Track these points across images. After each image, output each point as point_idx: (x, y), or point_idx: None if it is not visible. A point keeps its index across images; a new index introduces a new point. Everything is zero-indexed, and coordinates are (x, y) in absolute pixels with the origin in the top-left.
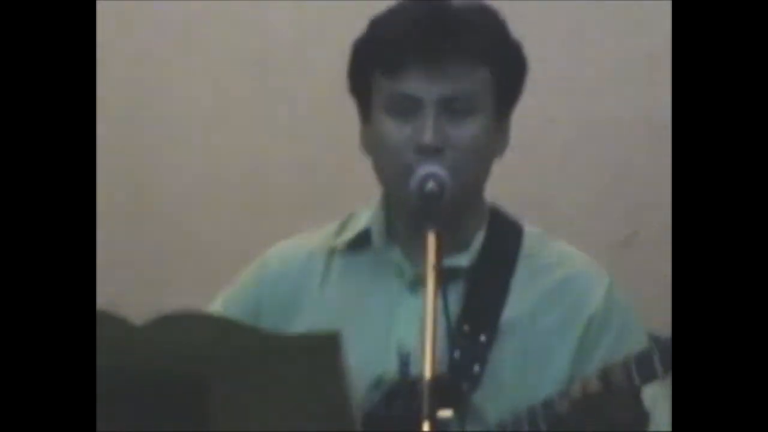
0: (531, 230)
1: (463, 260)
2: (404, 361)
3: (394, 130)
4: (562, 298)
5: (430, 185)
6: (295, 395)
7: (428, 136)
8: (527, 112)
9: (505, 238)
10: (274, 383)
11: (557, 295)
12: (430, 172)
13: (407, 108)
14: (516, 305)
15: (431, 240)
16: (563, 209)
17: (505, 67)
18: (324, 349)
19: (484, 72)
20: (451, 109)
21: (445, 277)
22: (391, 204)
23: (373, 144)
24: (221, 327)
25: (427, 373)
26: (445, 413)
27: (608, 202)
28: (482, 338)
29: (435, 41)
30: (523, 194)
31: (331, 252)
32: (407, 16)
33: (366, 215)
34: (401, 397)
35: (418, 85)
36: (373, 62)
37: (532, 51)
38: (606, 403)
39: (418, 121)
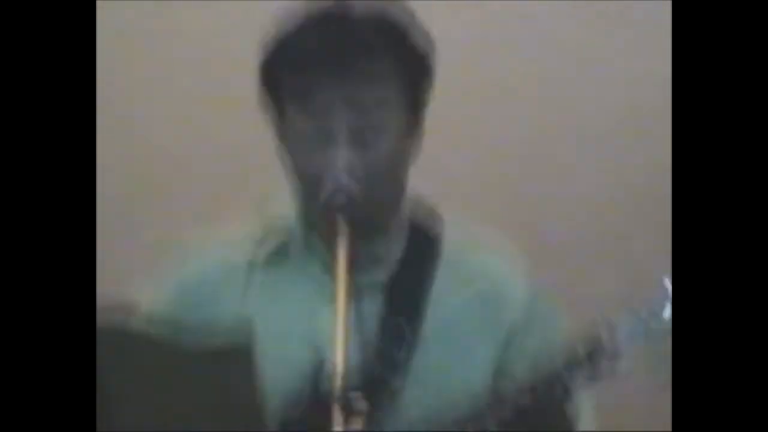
0: (452, 237)
1: (380, 275)
2: (319, 376)
3: (306, 146)
4: (484, 308)
5: (339, 198)
6: (210, 409)
7: (341, 165)
8: None
9: (424, 251)
10: (188, 395)
11: (479, 305)
12: (340, 185)
13: (318, 134)
14: (437, 317)
15: (342, 254)
16: None
17: (413, 79)
18: (238, 361)
19: (392, 90)
20: (362, 137)
21: (361, 291)
22: (307, 215)
23: (290, 142)
24: (140, 343)
25: (337, 386)
26: (356, 425)
27: None
28: (401, 353)
29: (340, 70)
30: None
31: (252, 266)
32: (312, 38)
33: (284, 224)
34: (316, 414)
35: (328, 113)
36: (283, 85)
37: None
38: (531, 414)
39: (330, 149)
